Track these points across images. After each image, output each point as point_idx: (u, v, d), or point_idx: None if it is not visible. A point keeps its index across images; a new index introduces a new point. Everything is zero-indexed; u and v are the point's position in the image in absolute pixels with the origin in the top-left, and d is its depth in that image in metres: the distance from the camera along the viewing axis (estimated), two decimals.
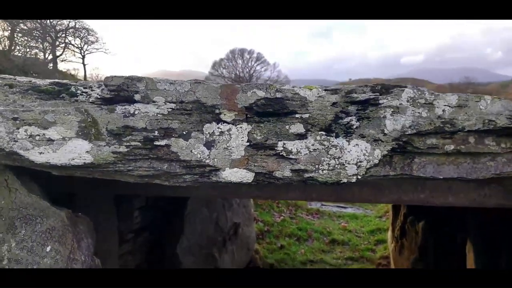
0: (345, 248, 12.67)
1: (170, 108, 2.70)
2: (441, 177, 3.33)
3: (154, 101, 2.69)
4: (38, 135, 2.45)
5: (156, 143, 2.64)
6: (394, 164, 3.20)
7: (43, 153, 2.51)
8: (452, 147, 3.19)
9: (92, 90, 2.72)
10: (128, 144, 2.63)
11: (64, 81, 2.86)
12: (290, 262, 11.63)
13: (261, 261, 11.47)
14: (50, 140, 2.56)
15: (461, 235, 6.72)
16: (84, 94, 2.85)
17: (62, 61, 42.95)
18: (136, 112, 2.71)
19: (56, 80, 2.82)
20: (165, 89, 2.74)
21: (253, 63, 49.99)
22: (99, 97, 2.82)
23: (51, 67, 40.38)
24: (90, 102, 2.82)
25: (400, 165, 3.25)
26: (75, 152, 2.55)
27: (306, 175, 2.79)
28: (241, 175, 2.71)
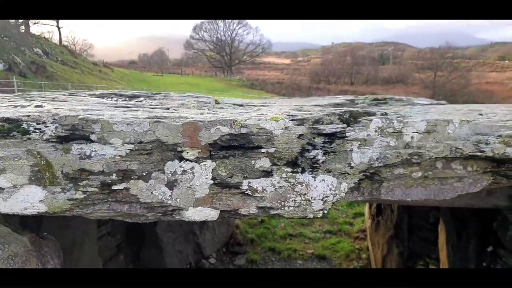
0: (324, 222, 12.97)
1: (128, 149, 2.57)
2: (409, 199, 3.34)
3: (110, 143, 2.55)
4: None
5: (114, 187, 2.54)
6: (362, 189, 3.18)
7: None
8: (420, 174, 3.17)
9: (46, 127, 2.57)
10: (84, 190, 2.52)
11: (15, 116, 2.68)
12: (270, 236, 11.88)
13: (241, 236, 11.69)
14: (0, 189, 2.43)
15: (434, 213, 6.89)
16: (37, 131, 2.69)
17: (35, 23, 40.82)
18: (92, 154, 2.58)
19: (5, 116, 2.65)
20: (122, 130, 2.60)
21: (235, 26, 48.45)
22: (53, 134, 2.67)
23: (23, 30, 38.41)
24: (44, 140, 2.66)
25: (368, 190, 3.23)
26: (28, 201, 2.43)
27: (272, 212, 2.76)
28: (205, 213, 2.65)
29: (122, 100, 3.22)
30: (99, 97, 3.48)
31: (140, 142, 2.64)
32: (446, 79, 51.06)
